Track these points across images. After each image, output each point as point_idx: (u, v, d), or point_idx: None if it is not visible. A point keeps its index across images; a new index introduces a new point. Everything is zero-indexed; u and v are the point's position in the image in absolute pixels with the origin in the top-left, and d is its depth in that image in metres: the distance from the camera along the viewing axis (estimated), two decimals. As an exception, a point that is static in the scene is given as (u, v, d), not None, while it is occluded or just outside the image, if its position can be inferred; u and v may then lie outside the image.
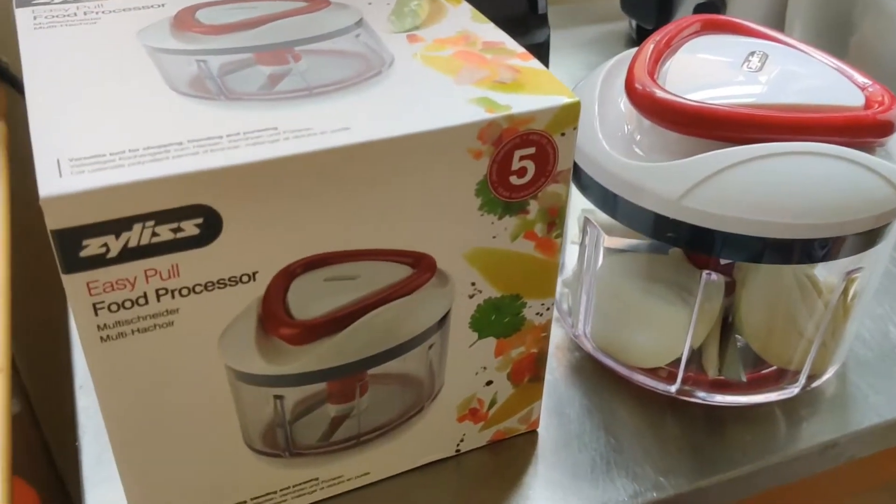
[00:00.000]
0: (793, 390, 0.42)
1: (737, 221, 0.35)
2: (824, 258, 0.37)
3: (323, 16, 0.36)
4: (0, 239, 0.52)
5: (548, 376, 0.44)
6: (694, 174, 0.36)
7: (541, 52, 0.51)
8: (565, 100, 0.31)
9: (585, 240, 0.42)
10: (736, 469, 0.40)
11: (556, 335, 0.47)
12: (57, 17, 0.35)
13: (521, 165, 0.32)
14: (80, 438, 0.40)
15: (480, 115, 0.30)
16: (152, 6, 0.36)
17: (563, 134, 0.31)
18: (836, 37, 0.59)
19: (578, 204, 0.42)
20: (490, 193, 0.32)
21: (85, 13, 0.35)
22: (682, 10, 0.68)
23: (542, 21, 0.51)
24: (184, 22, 0.35)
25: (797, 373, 0.42)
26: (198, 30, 0.34)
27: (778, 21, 0.63)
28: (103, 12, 0.36)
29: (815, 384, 0.43)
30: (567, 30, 0.76)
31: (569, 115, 0.31)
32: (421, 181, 0.30)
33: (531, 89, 0.31)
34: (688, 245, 0.37)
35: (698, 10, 0.66)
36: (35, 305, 0.64)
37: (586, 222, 0.41)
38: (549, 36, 0.51)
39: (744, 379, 0.42)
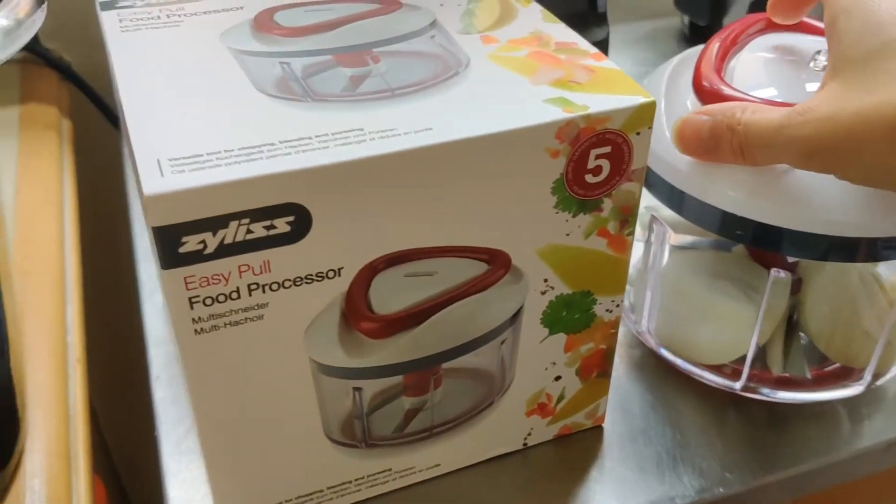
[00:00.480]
0: (857, 388, 0.42)
1: (804, 220, 0.36)
2: (889, 257, 0.37)
3: (397, 17, 0.37)
4: (71, 233, 0.53)
5: (614, 371, 0.44)
6: (763, 172, 0.36)
7: (601, 48, 0.51)
8: (642, 99, 0.31)
9: (651, 237, 0.42)
10: (800, 466, 0.40)
11: (619, 332, 0.47)
12: (142, 20, 0.36)
13: (597, 164, 0.32)
14: (158, 429, 0.41)
15: (559, 114, 0.30)
16: (231, 8, 0.37)
17: (638, 133, 0.32)
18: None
19: (644, 201, 0.42)
20: (565, 191, 0.32)
21: (168, 16, 0.37)
22: (735, 7, 0.68)
23: (602, 19, 0.52)
24: (264, 24, 0.36)
25: (862, 370, 0.42)
26: (278, 32, 0.35)
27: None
28: (185, 15, 0.37)
29: (879, 382, 0.43)
30: (619, 25, 0.76)
31: (644, 115, 0.32)
32: (500, 179, 0.31)
33: (607, 89, 0.32)
34: (755, 243, 0.38)
35: (754, 6, 0.65)
36: (92, 300, 0.66)
37: (652, 219, 0.42)
38: (608, 34, 0.52)
39: (808, 376, 0.42)
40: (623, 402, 0.43)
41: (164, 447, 0.40)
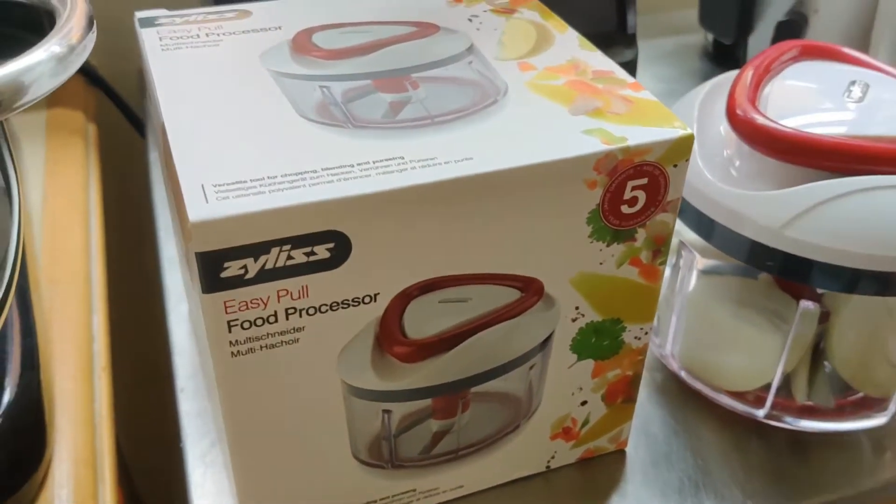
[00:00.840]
0: (882, 419, 0.42)
1: (835, 253, 0.36)
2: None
3: (435, 41, 0.37)
4: (97, 241, 0.54)
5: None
6: (796, 204, 0.36)
7: (629, 69, 0.51)
8: (681, 132, 0.32)
9: (679, 262, 0.42)
10: (821, 496, 0.40)
11: (649, 358, 0.47)
12: (181, 38, 0.36)
13: (633, 195, 0.32)
14: (184, 441, 0.41)
15: (598, 146, 0.31)
16: (269, 28, 0.38)
17: (675, 165, 0.32)
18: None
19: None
20: (601, 222, 0.32)
21: (207, 35, 0.37)
22: (762, 26, 0.68)
23: (631, 40, 0.52)
24: (302, 46, 0.36)
25: (886, 401, 0.42)
26: (317, 54, 0.35)
27: (862, 39, 0.63)
28: (224, 34, 0.37)
29: (902, 413, 0.43)
30: (643, 42, 0.76)
31: (683, 148, 0.32)
32: (536, 209, 0.31)
33: (646, 121, 0.32)
34: (784, 274, 0.38)
35: (780, 27, 0.65)
36: (117, 308, 0.66)
37: (681, 245, 0.42)
38: (636, 55, 0.52)
39: (832, 405, 0.42)
40: (645, 426, 0.43)
41: (189, 459, 0.40)
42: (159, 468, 0.64)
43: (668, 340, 0.44)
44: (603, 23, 0.51)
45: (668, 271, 0.44)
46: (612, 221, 0.33)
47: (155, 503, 0.83)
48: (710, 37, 0.74)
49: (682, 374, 0.44)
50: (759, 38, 0.70)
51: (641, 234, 0.34)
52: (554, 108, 0.33)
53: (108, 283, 0.51)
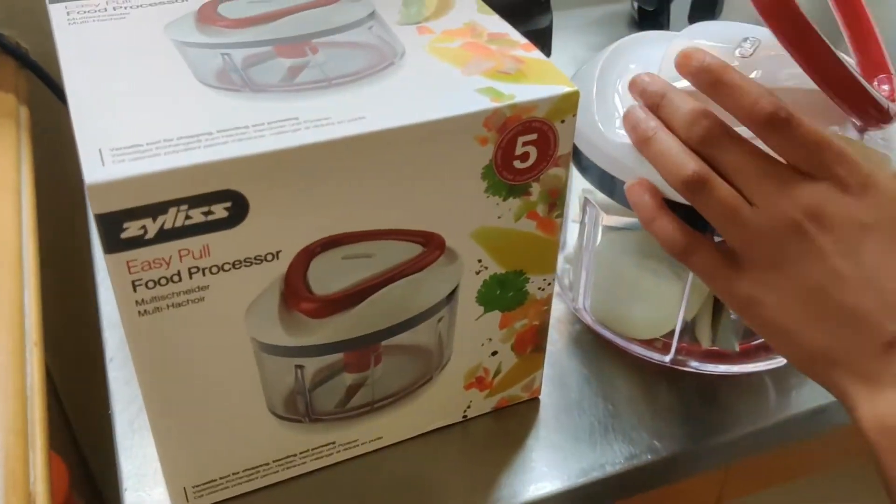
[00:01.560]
0: (783, 359, 0.45)
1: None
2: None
3: (337, 8, 0.38)
4: (28, 219, 0.54)
5: (549, 347, 0.46)
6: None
7: (544, 36, 0.53)
8: (565, 89, 0.33)
9: (585, 218, 0.44)
10: (726, 434, 0.42)
11: (558, 309, 0.49)
12: (88, 12, 0.37)
13: (524, 151, 0.34)
14: (113, 408, 0.42)
15: (486, 104, 0.32)
16: (176, 0, 0.38)
17: (563, 121, 0.34)
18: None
19: (579, 184, 0.44)
20: (495, 177, 0.34)
21: (114, 8, 0.38)
22: (682, -7, 0.70)
23: (545, 7, 0.53)
24: (207, 16, 0.37)
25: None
26: (221, 24, 0.36)
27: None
28: (131, 7, 0.38)
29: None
30: (572, 10, 0.78)
31: (568, 104, 0.33)
32: (431, 166, 0.32)
33: (533, 79, 0.34)
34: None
35: (698, -8, 0.67)
36: (50, 285, 0.67)
37: (586, 202, 0.44)
38: (551, 21, 0.53)
39: (736, 349, 0.45)
40: (560, 376, 0.45)
41: (118, 425, 0.42)
42: (104, 437, 0.65)
43: (580, 294, 0.46)
44: (517, -9, 0.52)
45: (577, 228, 0.46)
46: (506, 176, 0.34)
47: (102, 470, 0.84)
48: (635, 4, 0.75)
49: (595, 326, 0.46)
50: (681, 4, 0.72)
51: (536, 189, 0.35)
52: (448, 69, 0.34)
53: (40, 261, 0.52)
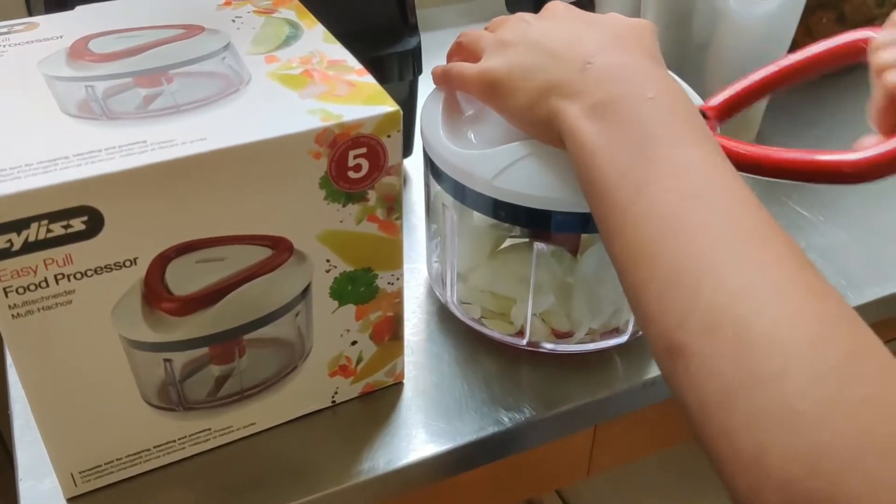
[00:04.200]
0: (623, 338, 0.50)
1: (532, 199, 0.43)
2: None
3: (197, 41, 0.43)
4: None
5: (416, 336, 0.52)
6: (502, 160, 0.43)
7: (413, 55, 0.58)
8: (388, 109, 0.38)
9: (446, 223, 0.49)
10: (567, 405, 0.48)
11: (426, 299, 0.54)
12: (-32, 50, 0.41)
13: (357, 162, 0.39)
14: (12, 407, 0.46)
15: (316, 123, 0.37)
16: (52, 38, 0.43)
17: (389, 136, 0.39)
18: (683, 36, 0.67)
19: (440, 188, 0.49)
20: (332, 186, 0.39)
21: (-7, 46, 0.42)
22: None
23: (413, 30, 0.58)
24: (77, 51, 0.41)
25: (626, 323, 0.50)
26: (89, 58, 0.41)
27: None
28: (10, 45, 0.42)
29: (640, 333, 0.51)
30: (457, 28, 0.83)
31: (392, 121, 0.38)
32: (271, 178, 0.37)
33: (362, 100, 0.39)
34: (512, 220, 0.45)
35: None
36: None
37: (443, 208, 0.49)
38: (419, 42, 0.58)
39: (583, 332, 0.50)
40: (428, 362, 0.50)
41: (15, 422, 0.46)
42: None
43: (447, 289, 0.51)
44: (385, 16, 0.57)
45: (427, 230, 0.51)
46: (342, 185, 0.39)
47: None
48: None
49: (461, 316, 0.51)
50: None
51: (372, 195, 0.40)
52: (286, 94, 0.39)
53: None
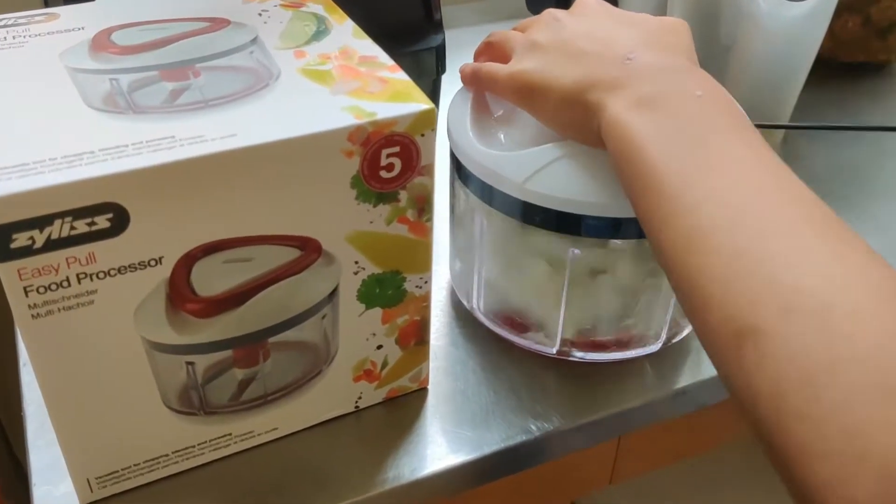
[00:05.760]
0: (655, 346, 0.49)
1: (566, 203, 0.42)
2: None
3: (223, 35, 0.41)
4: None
5: (441, 341, 0.50)
6: (535, 162, 0.42)
7: (437, 53, 0.57)
8: (423, 107, 0.37)
9: (474, 225, 0.48)
10: (596, 414, 0.46)
11: (450, 304, 0.53)
12: (-12, 41, 0.40)
13: (389, 162, 0.37)
14: (25, 409, 0.45)
15: (350, 120, 0.36)
16: (73, 29, 0.41)
17: (422, 135, 0.37)
18: (709, 37, 0.66)
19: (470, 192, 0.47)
20: (364, 186, 0.38)
21: (14, 37, 0.41)
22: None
23: (438, 27, 0.57)
24: (100, 43, 0.40)
25: (659, 332, 0.49)
26: (112, 50, 0.40)
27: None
28: (30, 36, 0.41)
29: (674, 341, 0.50)
30: (471, 28, 0.82)
31: (426, 120, 0.37)
32: (302, 177, 0.36)
33: (395, 98, 0.37)
34: (544, 225, 0.43)
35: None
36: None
37: (473, 211, 0.47)
38: (444, 39, 0.57)
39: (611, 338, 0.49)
40: (452, 367, 0.49)
41: (29, 424, 0.44)
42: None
43: (473, 295, 0.50)
44: (410, 13, 0.56)
45: (451, 234, 0.50)
46: (373, 185, 0.38)
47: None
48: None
49: (487, 323, 0.50)
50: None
51: (404, 196, 0.39)
52: (318, 90, 0.38)
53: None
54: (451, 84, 0.48)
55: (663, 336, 0.49)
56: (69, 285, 0.34)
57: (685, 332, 0.50)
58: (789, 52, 0.65)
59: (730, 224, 0.31)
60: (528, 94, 0.42)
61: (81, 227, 0.32)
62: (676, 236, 0.32)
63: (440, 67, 0.57)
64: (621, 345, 0.49)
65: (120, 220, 0.33)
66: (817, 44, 0.66)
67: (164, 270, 0.35)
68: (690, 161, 0.33)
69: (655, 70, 0.37)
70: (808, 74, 0.67)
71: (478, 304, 0.50)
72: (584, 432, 0.46)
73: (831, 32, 0.73)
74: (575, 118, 0.40)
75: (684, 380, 0.49)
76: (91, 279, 0.34)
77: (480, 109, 0.48)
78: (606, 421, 0.47)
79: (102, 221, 0.33)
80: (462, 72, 0.48)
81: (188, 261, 0.35)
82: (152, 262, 0.35)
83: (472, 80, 0.47)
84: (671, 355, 0.50)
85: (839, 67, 0.81)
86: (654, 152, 0.34)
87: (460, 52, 0.70)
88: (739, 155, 0.33)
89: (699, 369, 0.50)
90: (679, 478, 0.66)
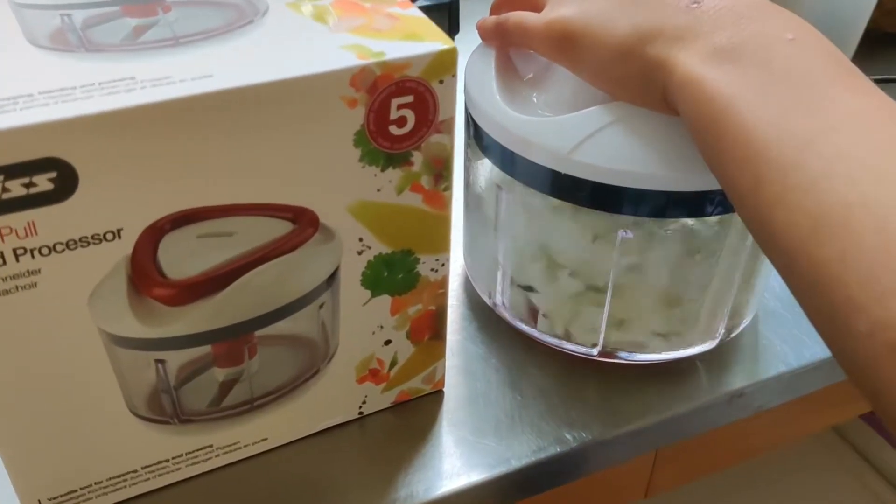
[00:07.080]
0: (711, 344, 0.42)
1: (622, 176, 0.35)
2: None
3: (201, -31, 0.35)
4: None
5: (457, 336, 0.44)
6: (581, 129, 0.35)
7: (451, 10, 0.50)
8: (441, 46, 0.30)
9: (498, 207, 0.41)
10: (640, 421, 0.40)
11: (467, 296, 0.46)
12: (-82, -26, 0.33)
13: (401, 115, 0.31)
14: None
15: (352, 61, 0.29)
16: (22, -37, 0.35)
17: (441, 81, 0.31)
18: None
19: (492, 171, 0.41)
20: (370, 144, 0.31)
21: (-52, -29, 0.34)
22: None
23: (452, -20, 0.50)
24: (52, -23, 0.33)
25: (716, 328, 0.42)
26: (66, -17, 0.33)
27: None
28: (-31, -30, 0.34)
29: (729, 337, 0.43)
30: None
31: (446, 62, 0.30)
32: (293, 131, 0.29)
33: (408, 36, 0.31)
34: (592, 203, 0.37)
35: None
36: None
37: (495, 188, 0.40)
38: (458, -6, 0.51)
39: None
40: (470, 367, 0.42)
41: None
42: None
43: (496, 288, 0.43)
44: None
45: (465, 216, 0.43)
46: (382, 144, 0.31)
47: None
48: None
49: (511, 319, 0.43)
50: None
51: (418, 158, 0.32)
52: (313, 27, 0.31)
53: None
54: (466, 45, 0.41)
55: (720, 332, 0.42)
56: (4, 263, 0.27)
57: (742, 326, 0.43)
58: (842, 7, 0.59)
59: (870, 196, 0.24)
60: (570, 47, 0.35)
61: (16, 188, 0.26)
62: (799, 218, 0.25)
63: (453, 27, 0.51)
64: (671, 343, 0.43)
65: (66, 180, 0.26)
66: (868, 13, 0.59)
67: (125, 246, 0.28)
68: (800, 120, 0.26)
69: (730, 13, 0.31)
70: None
71: (501, 299, 0.44)
72: (626, 442, 0.40)
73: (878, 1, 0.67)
74: (630, 75, 0.33)
75: (740, 381, 0.42)
76: (32, 256, 0.27)
77: (505, 70, 0.41)
78: (653, 429, 0.40)
79: (44, 182, 0.26)
80: (482, 27, 0.41)
81: (154, 234, 0.29)
82: (108, 236, 0.28)
83: (495, 34, 0.40)
84: (725, 353, 0.44)
85: (884, 37, 0.75)
86: (746, 114, 0.28)
87: (474, 9, 0.63)
88: (857, 106, 0.26)
89: (756, 368, 0.43)
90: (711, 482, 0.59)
